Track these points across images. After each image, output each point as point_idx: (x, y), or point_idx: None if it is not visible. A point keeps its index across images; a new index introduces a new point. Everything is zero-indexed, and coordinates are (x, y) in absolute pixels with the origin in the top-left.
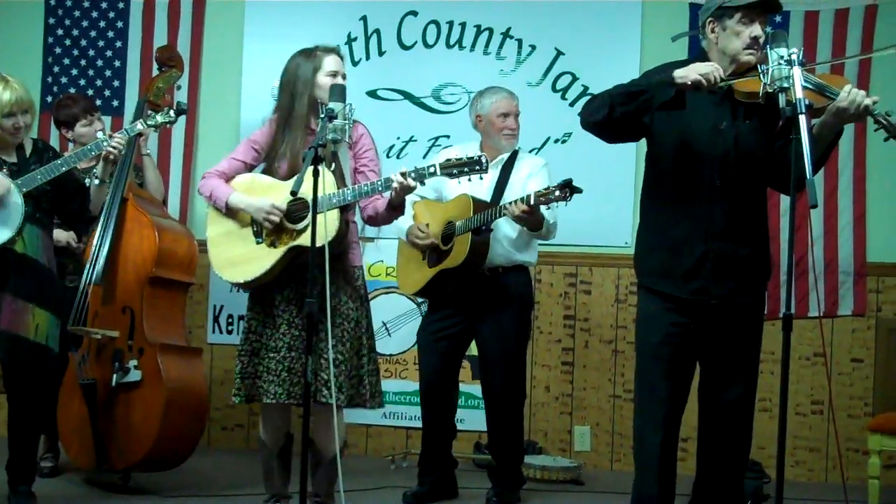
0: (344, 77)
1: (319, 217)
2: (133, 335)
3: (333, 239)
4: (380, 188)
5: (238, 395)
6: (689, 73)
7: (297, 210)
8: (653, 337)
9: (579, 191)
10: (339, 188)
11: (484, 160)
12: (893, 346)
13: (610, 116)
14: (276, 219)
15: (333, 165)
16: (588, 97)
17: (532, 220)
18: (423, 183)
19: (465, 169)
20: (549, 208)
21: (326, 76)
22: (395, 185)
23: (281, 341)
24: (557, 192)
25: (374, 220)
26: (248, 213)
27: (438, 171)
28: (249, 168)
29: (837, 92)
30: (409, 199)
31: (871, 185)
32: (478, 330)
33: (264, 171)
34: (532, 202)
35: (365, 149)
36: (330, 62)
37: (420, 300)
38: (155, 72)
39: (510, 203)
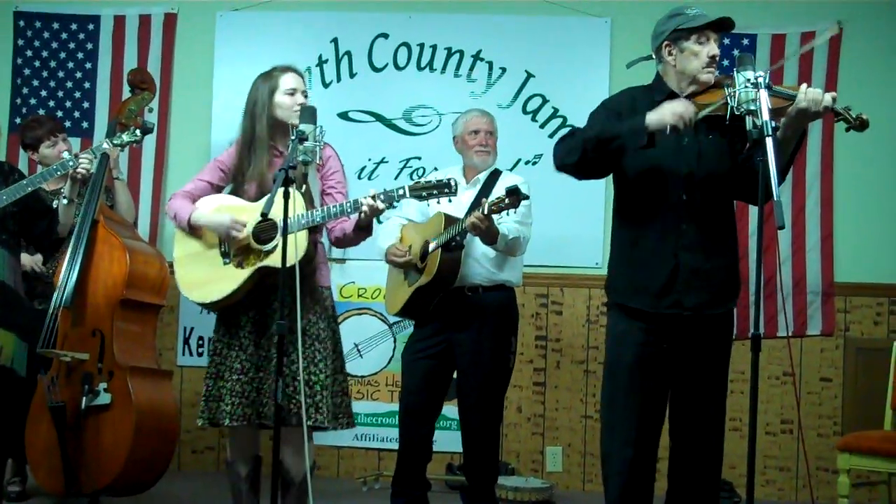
0: (305, 94)
1: (288, 238)
2: (103, 358)
3: (301, 260)
4: (348, 210)
5: (202, 418)
6: (664, 117)
7: (265, 231)
8: (625, 358)
9: (526, 197)
10: (308, 209)
11: (453, 183)
12: (861, 365)
13: (584, 159)
14: (239, 233)
15: (304, 187)
16: (558, 119)
17: (486, 232)
18: (392, 206)
19: (434, 192)
20: (500, 218)
21: (284, 95)
22: (364, 208)
23: (248, 362)
24: (507, 200)
25: (342, 242)
26: (210, 229)
27: (408, 194)
28: (217, 189)
29: (794, 94)
30: (396, 222)
31: (838, 205)
32: (456, 348)
33: (232, 193)
34: (486, 211)
35: (332, 170)
36: (287, 80)
37: (392, 321)
38: (125, 94)
39: (467, 214)
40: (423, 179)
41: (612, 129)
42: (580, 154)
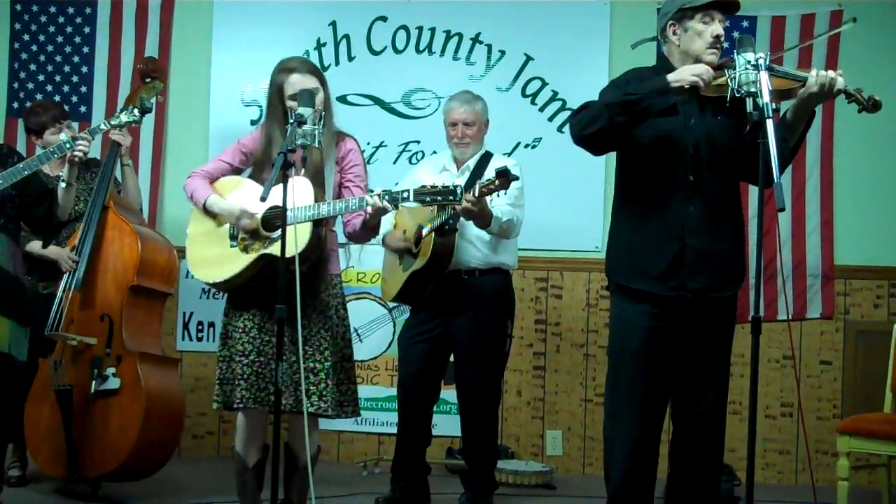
0: (316, 93)
1: (290, 228)
2: (111, 343)
3: (303, 251)
4: (354, 207)
5: (216, 401)
6: (684, 76)
7: (275, 218)
8: (630, 343)
9: (515, 178)
10: (317, 199)
11: (459, 190)
12: (861, 348)
13: (609, 125)
14: (247, 224)
15: (303, 170)
16: (557, 102)
17: (479, 215)
18: (396, 207)
19: (439, 198)
20: (491, 200)
21: (291, 101)
22: (368, 207)
23: (251, 345)
24: (497, 182)
25: (352, 237)
26: (222, 217)
27: (412, 198)
28: (236, 171)
29: (805, 76)
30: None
31: (838, 188)
32: (453, 332)
33: (251, 177)
34: (476, 193)
35: (352, 164)
36: (292, 84)
37: (392, 306)
38: (122, 79)
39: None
40: (428, 185)
41: (636, 91)
42: (605, 120)
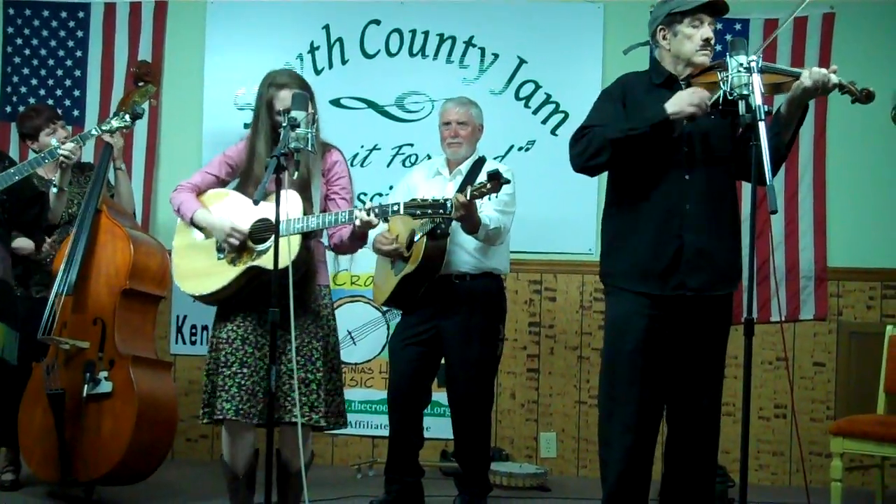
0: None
1: (281, 240)
2: (104, 346)
3: (293, 263)
4: (343, 220)
5: (204, 414)
6: (683, 108)
7: (262, 230)
8: (627, 344)
9: (507, 181)
10: (305, 211)
11: (449, 204)
12: (854, 349)
13: (614, 158)
14: (236, 242)
15: (296, 174)
16: (551, 105)
17: (468, 218)
18: (386, 220)
19: (429, 211)
20: (480, 206)
21: (279, 117)
22: (357, 221)
23: (233, 357)
24: (489, 185)
25: (340, 248)
26: (210, 232)
27: (402, 210)
28: (223, 183)
29: (798, 72)
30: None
31: (830, 190)
32: (444, 335)
33: (238, 188)
34: (469, 196)
35: (338, 176)
36: (283, 100)
37: (385, 309)
38: (115, 82)
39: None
40: (419, 198)
41: (637, 126)
42: (610, 154)
